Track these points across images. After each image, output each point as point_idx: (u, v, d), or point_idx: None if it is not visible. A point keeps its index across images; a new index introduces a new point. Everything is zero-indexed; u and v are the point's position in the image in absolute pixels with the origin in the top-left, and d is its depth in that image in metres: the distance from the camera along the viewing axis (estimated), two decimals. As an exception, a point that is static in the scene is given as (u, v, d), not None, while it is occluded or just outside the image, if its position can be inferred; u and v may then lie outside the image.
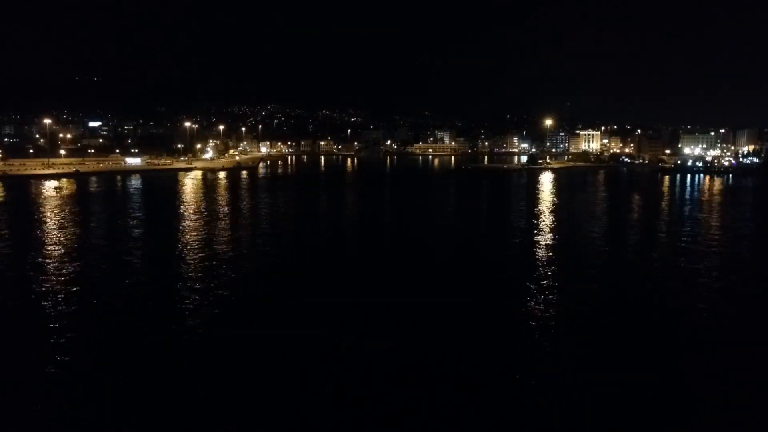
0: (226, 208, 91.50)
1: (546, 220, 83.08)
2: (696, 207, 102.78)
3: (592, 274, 50.44)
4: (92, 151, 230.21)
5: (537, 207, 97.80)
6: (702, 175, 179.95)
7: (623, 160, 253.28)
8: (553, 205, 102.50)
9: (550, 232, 72.18)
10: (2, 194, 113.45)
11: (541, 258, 56.70)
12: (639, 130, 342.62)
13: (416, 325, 36.45)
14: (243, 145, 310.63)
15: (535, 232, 71.80)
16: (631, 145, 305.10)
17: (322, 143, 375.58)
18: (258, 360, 31.43)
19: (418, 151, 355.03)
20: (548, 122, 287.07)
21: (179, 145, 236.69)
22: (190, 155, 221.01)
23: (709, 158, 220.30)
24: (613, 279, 49.56)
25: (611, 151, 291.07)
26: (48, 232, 68.41)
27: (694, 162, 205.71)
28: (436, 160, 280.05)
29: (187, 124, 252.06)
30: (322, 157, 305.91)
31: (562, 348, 33.27)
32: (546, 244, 63.87)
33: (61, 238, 64.31)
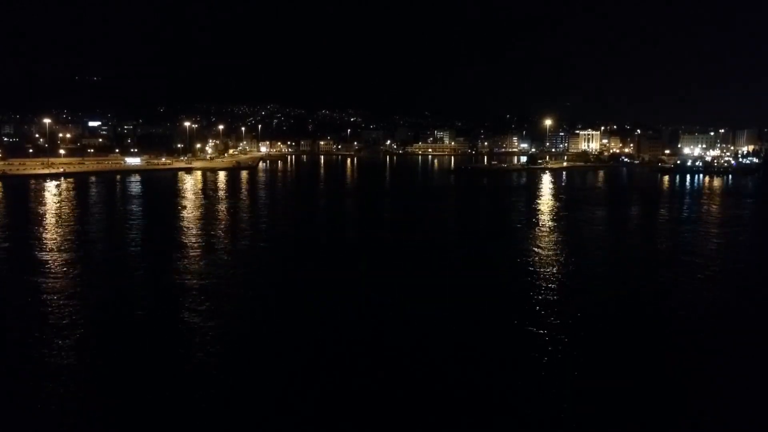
0: (225, 209, 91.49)
1: (544, 220, 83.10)
2: (695, 207, 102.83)
3: (591, 274, 50.49)
4: (92, 150, 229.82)
5: (535, 207, 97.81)
6: (702, 175, 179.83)
7: (623, 160, 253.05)
8: (552, 204, 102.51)
9: (548, 233, 72.21)
10: (1, 193, 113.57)
11: (540, 260, 56.68)
12: (639, 130, 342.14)
13: (415, 331, 36.44)
14: (243, 144, 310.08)
15: (533, 232, 71.85)
16: (631, 145, 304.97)
17: (322, 143, 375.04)
18: (257, 358, 31.47)
19: (417, 151, 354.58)
20: (548, 122, 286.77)
21: (179, 145, 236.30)
22: (190, 155, 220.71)
23: (708, 158, 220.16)
24: (613, 280, 49.59)
25: (611, 151, 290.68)
26: (46, 231, 68.45)
27: (693, 162, 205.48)
28: (436, 160, 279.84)
29: (187, 124, 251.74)
30: (322, 157, 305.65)
31: (562, 350, 33.30)
32: (544, 245, 63.88)
33: (59, 238, 64.33)
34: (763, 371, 30.24)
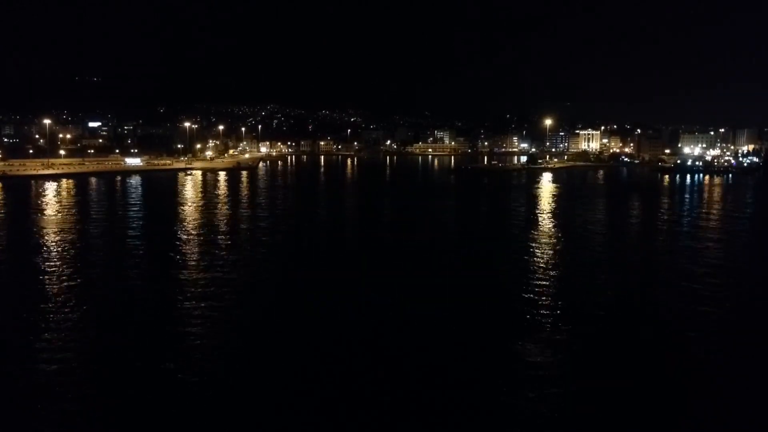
0: (225, 209, 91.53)
1: (544, 219, 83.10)
2: (695, 207, 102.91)
3: (591, 275, 50.50)
4: (92, 151, 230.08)
5: (536, 207, 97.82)
6: (702, 174, 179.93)
7: (623, 159, 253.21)
8: (552, 204, 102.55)
9: (548, 233, 72.21)
10: (1, 194, 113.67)
11: (540, 260, 56.68)
12: (639, 130, 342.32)
13: (415, 331, 36.45)
14: (243, 145, 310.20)
15: (534, 232, 71.89)
16: (631, 144, 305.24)
17: (322, 143, 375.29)
18: (256, 358, 31.50)
19: (417, 151, 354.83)
20: (548, 122, 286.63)
21: (179, 146, 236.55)
22: (190, 155, 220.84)
23: (708, 158, 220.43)
24: (613, 281, 49.59)
25: (611, 150, 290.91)
26: (45, 232, 68.49)
27: (693, 161, 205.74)
28: (436, 160, 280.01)
29: (187, 124, 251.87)
30: (322, 157, 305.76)
31: (560, 353, 33.33)
32: (545, 245, 63.89)
33: (58, 239, 64.36)
34: (763, 371, 30.24)
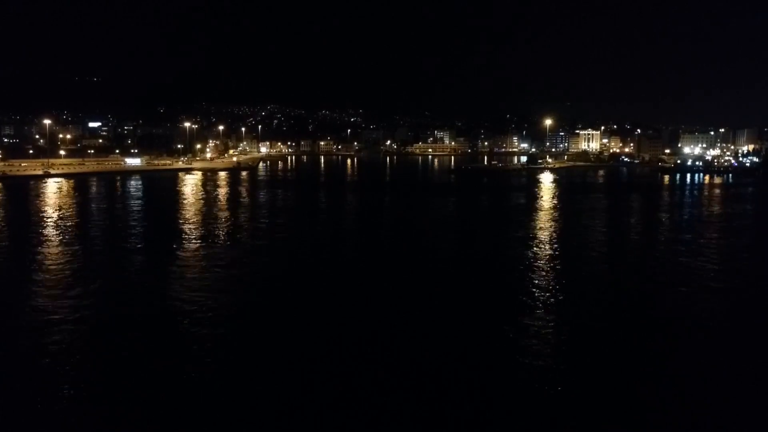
0: (224, 209, 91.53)
1: (544, 220, 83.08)
2: (695, 208, 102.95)
3: (590, 276, 50.52)
4: (92, 151, 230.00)
5: (535, 207, 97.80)
6: (702, 174, 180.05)
7: (623, 159, 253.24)
8: (551, 205, 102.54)
9: (547, 235, 72.21)
10: (1, 194, 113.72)
11: (539, 261, 56.68)
12: (639, 130, 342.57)
13: (414, 332, 36.45)
14: (243, 145, 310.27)
15: (533, 233, 71.88)
16: (631, 144, 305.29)
17: (322, 143, 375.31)
18: (253, 362, 31.51)
19: (418, 151, 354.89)
20: (548, 122, 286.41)
21: (179, 146, 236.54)
22: (190, 155, 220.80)
23: (708, 158, 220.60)
24: (612, 283, 49.59)
25: (611, 150, 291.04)
26: (44, 231, 68.49)
27: (694, 161, 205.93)
28: (436, 160, 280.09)
29: (187, 124, 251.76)
30: (322, 158, 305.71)
31: (559, 356, 33.34)
32: (544, 247, 63.88)
33: (57, 239, 64.39)
34: (762, 371, 30.23)
